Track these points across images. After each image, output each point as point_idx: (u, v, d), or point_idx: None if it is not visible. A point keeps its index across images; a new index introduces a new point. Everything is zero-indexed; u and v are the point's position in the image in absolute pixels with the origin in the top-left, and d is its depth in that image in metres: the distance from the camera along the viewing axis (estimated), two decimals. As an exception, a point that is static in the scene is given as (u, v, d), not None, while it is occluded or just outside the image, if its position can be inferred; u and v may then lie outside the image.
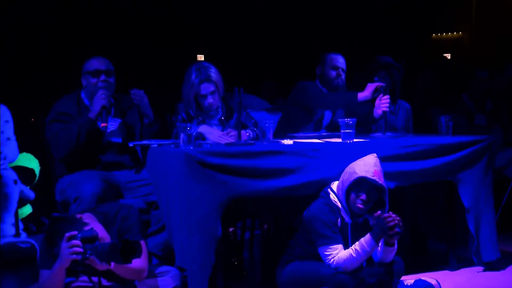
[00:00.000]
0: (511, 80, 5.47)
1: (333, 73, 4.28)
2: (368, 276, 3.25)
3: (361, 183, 3.22)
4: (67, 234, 2.70)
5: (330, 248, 3.24)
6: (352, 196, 3.25)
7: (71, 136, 3.50)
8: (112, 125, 3.68)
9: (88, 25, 5.85)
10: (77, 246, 2.68)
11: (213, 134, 3.63)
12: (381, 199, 3.29)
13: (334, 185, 3.36)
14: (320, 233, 3.25)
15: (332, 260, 3.21)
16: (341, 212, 3.30)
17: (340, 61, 4.30)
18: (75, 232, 2.70)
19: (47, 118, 3.68)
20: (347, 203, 3.27)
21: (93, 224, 2.82)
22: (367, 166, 3.25)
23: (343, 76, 4.29)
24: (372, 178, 3.22)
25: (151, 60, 6.25)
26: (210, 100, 3.75)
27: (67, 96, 3.73)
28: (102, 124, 3.54)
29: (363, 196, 3.24)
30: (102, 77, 3.64)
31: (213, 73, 3.75)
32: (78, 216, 2.86)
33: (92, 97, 3.66)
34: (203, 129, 3.69)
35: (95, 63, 3.66)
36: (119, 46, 5.72)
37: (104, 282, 2.91)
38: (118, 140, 3.69)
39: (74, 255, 2.68)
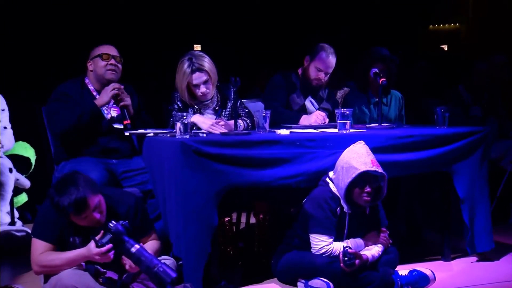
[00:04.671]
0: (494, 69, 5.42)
1: (315, 74, 4.14)
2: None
3: (362, 177, 3.23)
4: (103, 249, 2.78)
5: (323, 237, 3.27)
6: (356, 191, 3.26)
7: (72, 115, 3.50)
8: (114, 111, 3.68)
9: (83, 15, 5.82)
10: (110, 250, 2.78)
11: (206, 123, 3.63)
12: (379, 185, 3.31)
13: (331, 174, 3.37)
14: (318, 220, 3.27)
15: (321, 249, 3.26)
16: (341, 202, 3.32)
17: (328, 65, 4.13)
18: (110, 245, 2.78)
19: (50, 98, 3.68)
20: (351, 197, 3.29)
21: (103, 207, 2.89)
22: (362, 157, 3.26)
23: (325, 79, 4.17)
24: (373, 169, 3.23)
25: (147, 49, 6.24)
26: (203, 89, 3.73)
27: (71, 80, 3.74)
28: (125, 122, 3.55)
29: (367, 189, 3.26)
30: (112, 61, 3.65)
31: (206, 62, 3.73)
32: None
33: (97, 81, 3.67)
34: (195, 118, 3.68)
35: (105, 49, 3.68)
36: (115, 35, 5.69)
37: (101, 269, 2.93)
38: (120, 126, 3.69)
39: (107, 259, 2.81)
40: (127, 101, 3.61)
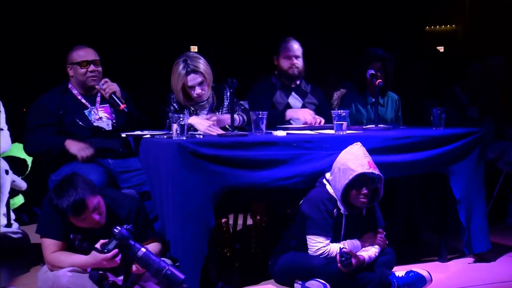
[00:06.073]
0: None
1: (287, 63, 4.20)
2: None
3: (359, 178, 3.24)
4: (108, 254, 2.79)
5: (320, 238, 3.27)
6: (353, 192, 3.26)
7: (41, 144, 3.51)
8: (101, 111, 3.67)
9: (79, 17, 5.82)
10: (116, 256, 2.80)
11: (203, 124, 3.62)
12: (376, 187, 3.31)
13: (328, 176, 3.37)
14: (315, 221, 3.27)
15: (318, 250, 3.26)
16: (338, 203, 3.32)
17: (293, 48, 4.20)
18: (116, 251, 2.79)
19: (29, 109, 3.68)
20: (348, 199, 3.29)
21: (102, 209, 2.91)
22: (359, 159, 3.26)
23: (298, 63, 4.22)
24: (369, 171, 3.23)
25: (143, 50, 6.24)
26: (198, 90, 3.73)
27: (54, 89, 3.71)
28: (121, 107, 3.53)
29: (365, 191, 3.26)
30: (91, 67, 3.63)
31: (201, 64, 3.73)
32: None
33: (80, 87, 3.65)
34: (192, 120, 3.67)
35: (82, 54, 3.64)
36: (111, 36, 5.69)
37: None
38: (108, 126, 3.68)
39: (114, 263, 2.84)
40: (113, 87, 3.58)
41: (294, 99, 4.27)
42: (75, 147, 3.50)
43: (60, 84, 3.74)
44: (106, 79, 3.62)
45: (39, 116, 3.57)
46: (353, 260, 3.21)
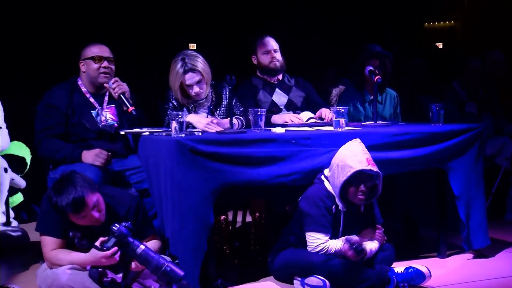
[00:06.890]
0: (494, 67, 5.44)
1: (267, 58, 4.22)
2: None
3: (357, 175, 3.24)
4: (108, 252, 2.79)
5: (319, 234, 3.27)
6: (352, 189, 3.27)
7: (56, 151, 3.51)
8: (107, 112, 3.66)
9: (77, 14, 5.81)
10: (115, 253, 2.81)
11: (201, 122, 3.62)
12: (374, 184, 3.31)
13: (327, 172, 3.38)
14: (314, 218, 3.28)
15: (317, 247, 3.26)
16: (336, 200, 3.32)
17: (270, 43, 4.24)
18: (115, 248, 2.80)
19: (38, 106, 3.66)
20: (346, 195, 3.29)
21: (102, 206, 2.93)
22: (357, 156, 3.26)
23: (277, 56, 4.24)
24: (368, 168, 3.23)
25: (143, 46, 6.23)
26: (196, 89, 3.73)
27: (59, 85, 3.68)
28: (130, 109, 3.51)
29: (362, 187, 3.26)
30: (105, 63, 3.61)
31: (199, 62, 3.72)
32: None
33: (90, 83, 3.64)
34: (191, 118, 3.66)
35: (97, 50, 3.62)
36: (109, 33, 5.68)
37: None
38: (112, 128, 3.67)
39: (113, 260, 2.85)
40: (123, 87, 3.56)
41: (278, 96, 4.26)
42: (89, 158, 3.49)
43: (68, 79, 3.70)
44: (116, 78, 3.58)
45: (49, 117, 3.55)
46: (363, 246, 3.21)
